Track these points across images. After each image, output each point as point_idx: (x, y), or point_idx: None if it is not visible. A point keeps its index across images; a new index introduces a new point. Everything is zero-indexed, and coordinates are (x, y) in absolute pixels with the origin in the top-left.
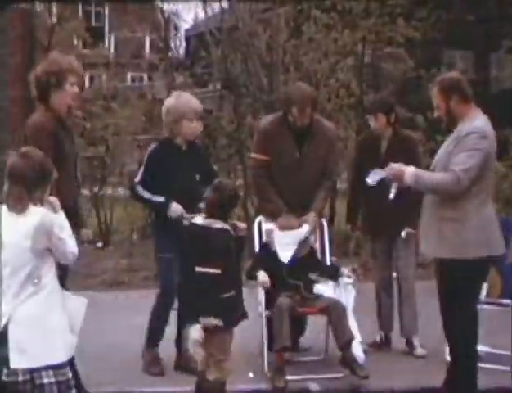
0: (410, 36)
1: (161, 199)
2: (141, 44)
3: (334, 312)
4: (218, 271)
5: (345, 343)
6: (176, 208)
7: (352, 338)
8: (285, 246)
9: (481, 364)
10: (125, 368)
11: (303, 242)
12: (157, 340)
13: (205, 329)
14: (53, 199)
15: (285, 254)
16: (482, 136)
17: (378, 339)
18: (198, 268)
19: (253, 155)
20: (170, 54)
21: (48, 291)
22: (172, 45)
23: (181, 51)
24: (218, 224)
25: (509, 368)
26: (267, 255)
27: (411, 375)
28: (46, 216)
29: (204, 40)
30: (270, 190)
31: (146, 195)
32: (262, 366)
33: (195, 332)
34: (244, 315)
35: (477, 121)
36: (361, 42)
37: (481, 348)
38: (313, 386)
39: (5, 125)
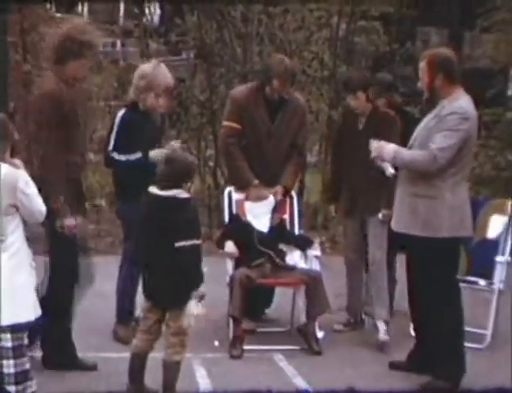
0: (385, 11)
1: (138, 155)
2: (116, 10)
3: (313, 282)
4: (198, 241)
5: (318, 314)
6: (156, 152)
7: (327, 310)
8: (260, 215)
9: None
10: (94, 333)
11: (274, 211)
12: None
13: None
14: (17, 161)
15: (262, 223)
16: (464, 117)
17: (352, 320)
18: (179, 243)
19: (224, 123)
20: (144, 20)
21: (14, 250)
22: (147, 11)
23: (156, 18)
24: (183, 194)
25: (476, 346)
26: (238, 225)
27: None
28: (10, 171)
29: (179, 8)
30: (239, 159)
31: (123, 158)
32: (228, 335)
33: (196, 307)
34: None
35: (460, 101)
36: (336, 14)
37: None
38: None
39: None
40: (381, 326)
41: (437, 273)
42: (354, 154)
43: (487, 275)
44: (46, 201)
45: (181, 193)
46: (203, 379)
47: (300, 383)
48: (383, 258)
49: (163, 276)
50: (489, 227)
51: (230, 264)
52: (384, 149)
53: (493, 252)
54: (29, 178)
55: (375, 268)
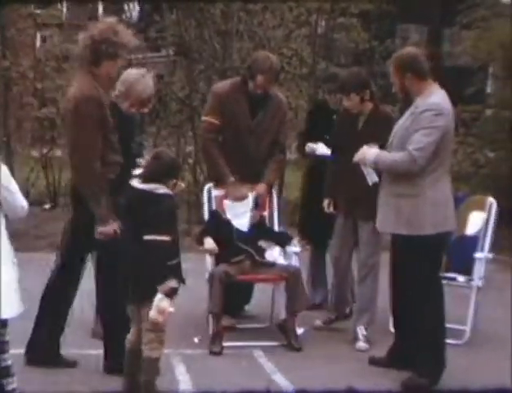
0: (364, 8)
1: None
2: (95, 6)
3: (293, 278)
4: (167, 238)
5: (298, 310)
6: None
7: (305, 307)
8: (240, 214)
9: None
10: (74, 330)
11: (254, 208)
12: None
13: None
14: None
15: (242, 222)
16: (438, 113)
17: (333, 317)
18: (147, 237)
19: (203, 118)
20: (123, 17)
21: None
22: (126, 8)
23: (135, 14)
24: (162, 189)
25: (455, 342)
26: (218, 222)
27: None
28: None
29: (158, 4)
30: (216, 155)
31: None
32: (208, 331)
33: (163, 301)
34: (183, 282)
35: (433, 97)
36: (315, 11)
37: None
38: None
39: None
40: (361, 332)
41: (422, 270)
42: (352, 156)
43: (467, 271)
44: (89, 206)
45: (159, 188)
46: (182, 375)
47: (280, 379)
48: (374, 265)
49: (133, 269)
50: (468, 223)
51: (209, 261)
52: (366, 154)
53: (472, 249)
54: (9, 174)
55: (364, 273)
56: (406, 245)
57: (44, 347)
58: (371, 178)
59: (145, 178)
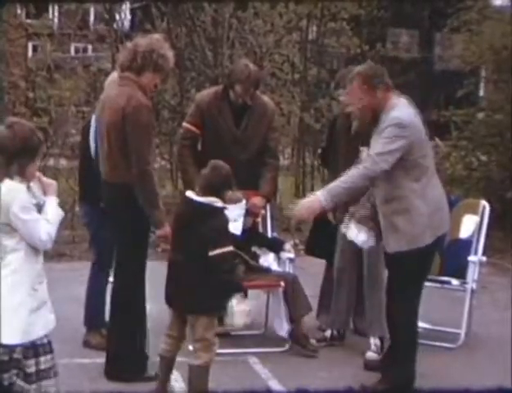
0: (355, 13)
1: None
2: (86, 15)
3: (291, 285)
4: (231, 248)
5: (302, 315)
6: None
7: (309, 311)
8: (233, 219)
9: (421, 341)
10: (69, 339)
11: (247, 215)
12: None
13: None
14: (48, 181)
15: (235, 226)
16: (401, 126)
17: (328, 335)
18: (214, 251)
19: (184, 124)
20: (115, 26)
21: (12, 270)
22: (117, 17)
23: (127, 23)
24: (219, 203)
25: (449, 345)
26: None
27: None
28: (8, 192)
29: (149, 12)
30: (188, 163)
31: None
32: None
33: (242, 304)
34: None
35: (394, 111)
36: (306, 17)
37: (421, 325)
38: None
39: None
40: (374, 341)
41: (413, 274)
42: (347, 160)
43: (460, 275)
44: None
45: (216, 202)
46: (177, 382)
47: (275, 386)
48: (379, 272)
49: (189, 282)
50: (461, 227)
51: None
52: (315, 201)
53: (466, 252)
54: (28, 204)
55: (372, 282)
56: (405, 259)
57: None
58: (358, 239)
59: (203, 191)
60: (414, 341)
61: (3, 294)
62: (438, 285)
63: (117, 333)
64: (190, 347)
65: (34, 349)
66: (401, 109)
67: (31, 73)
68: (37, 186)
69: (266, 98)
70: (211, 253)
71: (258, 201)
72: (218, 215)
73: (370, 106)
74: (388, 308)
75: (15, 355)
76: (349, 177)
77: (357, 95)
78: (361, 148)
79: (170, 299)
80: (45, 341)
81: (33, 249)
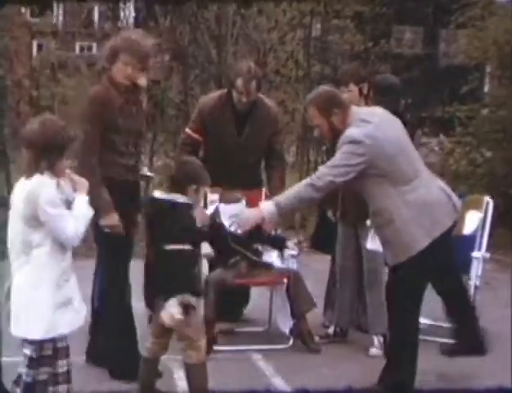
0: (358, 10)
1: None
2: (90, 14)
3: (293, 281)
4: (189, 246)
5: (306, 311)
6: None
7: (313, 307)
8: (232, 217)
9: (423, 337)
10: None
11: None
12: None
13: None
14: (79, 179)
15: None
16: (354, 143)
17: (331, 331)
18: (168, 246)
19: (186, 130)
20: (119, 24)
21: (38, 265)
22: (122, 15)
23: (131, 20)
24: (182, 199)
25: (451, 341)
26: (212, 226)
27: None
28: (37, 185)
29: (153, 10)
30: None
31: None
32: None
33: (172, 307)
34: (199, 294)
35: (349, 130)
36: (309, 14)
37: (423, 321)
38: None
39: None
40: (377, 338)
41: (414, 280)
42: None
43: (464, 271)
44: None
45: (178, 197)
46: (181, 380)
47: (279, 383)
48: (378, 269)
49: (155, 280)
50: (465, 223)
51: (206, 266)
52: (246, 218)
53: (469, 248)
54: (55, 198)
55: (369, 279)
56: (406, 266)
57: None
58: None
59: (168, 188)
60: (415, 341)
61: (27, 288)
62: None
63: (102, 334)
64: None
65: (54, 350)
66: (358, 125)
67: (35, 71)
68: (67, 183)
69: (269, 102)
70: (167, 247)
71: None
72: (178, 211)
73: (329, 129)
74: (389, 308)
75: (46, 352)
76: (297, 187)
77: (314, 121)
78: None
79: (147, 299)
80: (65, 344)
81: (60, 245)
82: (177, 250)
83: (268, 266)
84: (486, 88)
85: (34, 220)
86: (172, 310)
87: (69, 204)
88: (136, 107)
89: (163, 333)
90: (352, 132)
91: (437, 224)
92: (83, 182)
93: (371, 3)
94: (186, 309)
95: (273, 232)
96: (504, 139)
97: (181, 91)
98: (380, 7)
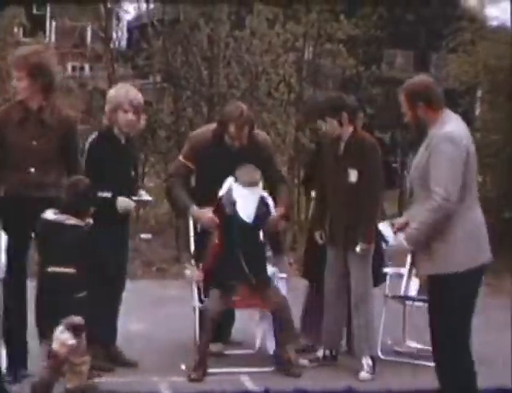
0: (351, 33)
1: (108, 194)
2: (83, 34)
3: (282, 307)
4: (72, 270)
5: (286, 343)
6: (123, 202)
7: (296, 339)
8: (248, 201)
9: (413, 361)
10: None
11: (262, 201)
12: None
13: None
14: None
15: (248, 210)
16: (454, 141)
17: (321, 355)
18: (51, 268)
19: (180, 158)
20: (112, 45)
21: None
22: (114, 36)
23: (123, 42)
24: (71, 220)
25: None
26: (220, 214)
27: None
28: None
29: (145, 32)
30: (178, 187)
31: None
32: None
33: (63, 334)
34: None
35: (446, 127)
36: (302, 37)
37: (413, 344)
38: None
39: None
40: (366, 361)
41: (456, 308)
42: (333, 183)
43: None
44: None
45: (68, 219)
46: None
47: None
48: (366, 292)
49: (39, 303)
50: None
51: (194, 287)
52: (402, 246)
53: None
54: None
55: (357, 302)
56: (441, 284)
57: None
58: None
59: (60, 209)
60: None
61: None
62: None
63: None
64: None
65: None
66: (453, 124)
67: None
68: None
69: (261, 136)
70: (47, 269)
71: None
72: (67, 233)
73: (415, 120)
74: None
75: None
76: (426, 215)
77: (404, 108)
78: (349, 169)
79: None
80: None
81: None
82: (60, 272)
83: (267, 282)
84: (477, 112)
85: None
86: (62, 337)
87: None
88: (41, 126)
89: (57, 360)
90: (447, 129)
91: (479, 254)
92: None
93: (365, 26)
94: (76, 331)
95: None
96: (496, 163)
97: (173, 112)
98: (375, 30)
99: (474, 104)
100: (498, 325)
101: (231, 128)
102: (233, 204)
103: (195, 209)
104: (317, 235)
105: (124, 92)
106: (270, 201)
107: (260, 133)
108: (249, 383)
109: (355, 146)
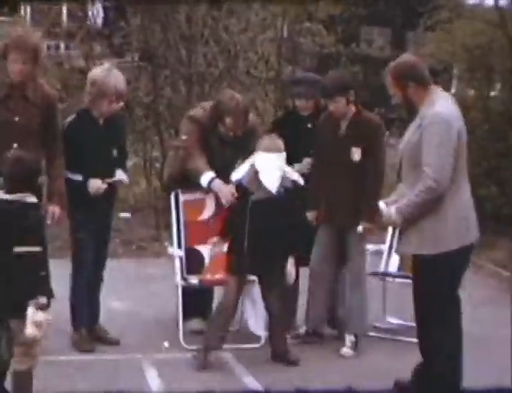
0: (330, 12)
1: (79, 177)
2: (58, 12)
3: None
4: (38, 248)
5: (284, 326)
6: (94, 183)
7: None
8: (272, 168)
9: (393, 337)
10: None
11: (286, 174)
12: (81, 320)
13: None
14: None
15: (272, 178)
16: (446, 122)
17: (303, 331)
18: (18, 249)
19: (184, 138)
20: (88, 23)
21: None
22: (90, 14)
23: (100, 20)
24: (30, 198)
25: None
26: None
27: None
28: None
29: (122, 10)
30: (198, 157)
31: (68, 174)
32: (178, 336)
33: (37, 315)
34: (52, 296)
35: (437, 106)
36: (281, 15)
37: (393, 320)
38: None
39: None
40: (349, 338)
41: (442, 286)
42: (334, 161)
43: None
44: None
45: (26, 197)
46: (153, 380)
47: (250, 382)
48: (361, 272)
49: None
50: None
51: (177, 263)
52: (391, 218)
53: None
54: None
55: (352, 281)
56: (431, 263)
57: None
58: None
59: (10, 188)
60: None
61: None
62: (410, 281)
63: None
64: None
65: None
66: (443, 103)
67: (1, 71)
68: None
69: (253, 120)
70: (16, 250)
71: None
72: (28, 211)
73: (406, 100)
74: (421, 330)
75: None
76: (417, 194)
77: (390, 90)
78: (352, 148)
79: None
80: None
81: None
82: (25, 252)
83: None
84: (453, 90)
85: None
86: (36, 318)
87: None
88: (24, 103)
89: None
90: (439, 110)
91: (468, 233)
92: None
93: (344, 4)
94: (43, 311)
95: None
96: (472, 141)
97: (151, 91)
98: (356, 8)
99: (451, 82)
100: (475, 301)
101: (227, 120)
102: (256, 173)
103: (217, 181)
104: (311, 215)
105: (113, 81)
106: (296, 176)
107: (251, 119)
108: (232, 361)
109: (358, 125)
